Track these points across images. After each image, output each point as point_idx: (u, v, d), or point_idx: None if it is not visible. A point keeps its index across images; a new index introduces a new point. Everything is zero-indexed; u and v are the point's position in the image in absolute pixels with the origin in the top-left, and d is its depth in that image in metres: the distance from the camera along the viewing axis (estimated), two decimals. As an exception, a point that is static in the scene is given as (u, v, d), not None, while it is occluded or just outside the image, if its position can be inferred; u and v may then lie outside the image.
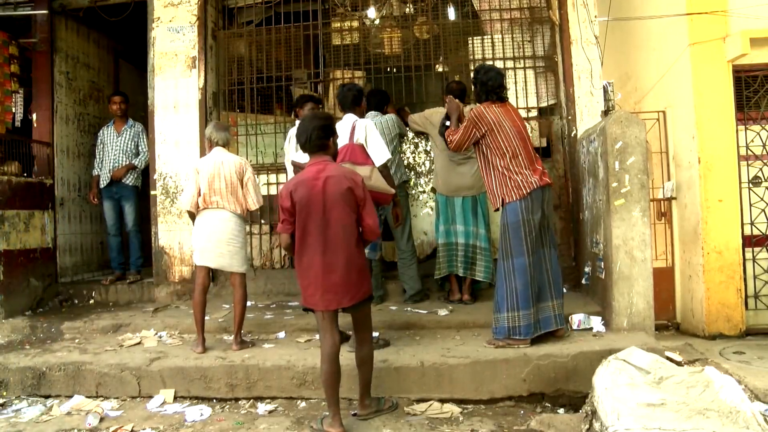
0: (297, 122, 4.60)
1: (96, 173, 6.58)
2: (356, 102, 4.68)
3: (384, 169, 4.39)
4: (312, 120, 3.61)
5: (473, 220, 5.38)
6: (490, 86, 4.42)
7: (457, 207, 5.40)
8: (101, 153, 6.52)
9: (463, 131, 4.41)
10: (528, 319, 4.21)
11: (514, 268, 4.25)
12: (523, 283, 4.22)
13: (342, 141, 4.19)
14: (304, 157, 3.88)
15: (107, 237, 6.73)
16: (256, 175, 4.81)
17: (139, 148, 6.51)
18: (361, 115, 4.67)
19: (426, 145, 6.28)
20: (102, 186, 6.49)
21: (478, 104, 4.52)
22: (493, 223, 5.48)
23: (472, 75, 4.70)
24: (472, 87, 4.61)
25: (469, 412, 3.91)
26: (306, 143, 3.58)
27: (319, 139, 3.56)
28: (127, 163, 6.43)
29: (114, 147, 6.46)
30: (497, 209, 4.41)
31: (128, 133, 6.48)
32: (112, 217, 6.55)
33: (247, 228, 4.96)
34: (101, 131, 6.59)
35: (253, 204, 4.71)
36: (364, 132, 4.43)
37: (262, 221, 6.24)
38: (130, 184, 6.48)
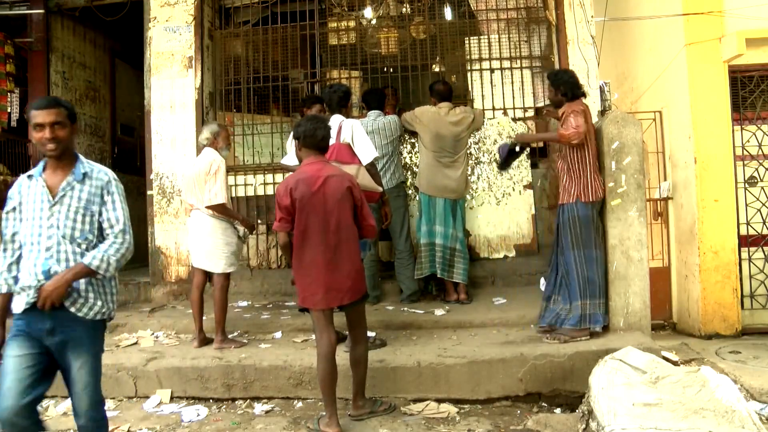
0: None
1: None
2: (342, 103, 4.70)
3: (371, 168, 4.43)
4: (324, 120, 3.75)
5: (453, 223, 5.39)
6: (573, 83, 4.47)
7: (439, 207, 5.40)
8: (11, 239, 2.80)
9: (584, 121, 4.31)
10: (603, 308, 4.36)
11: (587, 258, 4.37)
12: (596, 273, 4.36)
13: None
14: (293, 160, 3.98)
15: None
16: (222, 174, 4.61)
17: (107, 221, 2.81)
18: (347, 116, 4.69)
19: (423, 145, 6.29)
20: (16, 313, 2.75)
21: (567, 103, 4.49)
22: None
23: (550, 78, 4.65)
24: (558, 90, 4.49)
25: (466, 411, 3.92)
26: (323, 139, 3.62)
27: (326, 139, 3.65)
28: (74, 264, 2.71)
29: (42, 224, 2.73)
30: (563, 205, 4.44)
31: (76, 193, 2.76)
32: (16, 395, 2.62)
33: (241, 228, 4.87)
34: (14, 187, 2.85)
35: (208, 200, 4.55)
36: (351, 131, 4.48)
37: (259, 221, 6.23)
38: (87, 315, 2.76)
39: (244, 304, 5.84)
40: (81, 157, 2.86)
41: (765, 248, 5.48)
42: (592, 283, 4.35)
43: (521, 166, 6.08)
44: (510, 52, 6.39)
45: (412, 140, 6.27)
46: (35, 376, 2.68)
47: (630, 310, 4.48)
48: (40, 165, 2.84)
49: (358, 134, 4.49)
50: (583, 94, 4.56)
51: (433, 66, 7.08)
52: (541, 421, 3.66)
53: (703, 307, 5.31)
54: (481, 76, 6.36)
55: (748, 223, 5.47)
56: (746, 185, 5.51)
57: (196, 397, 4.27)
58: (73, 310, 2.73)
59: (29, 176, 2.83)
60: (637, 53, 6.64)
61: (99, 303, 2.81)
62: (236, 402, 4.21)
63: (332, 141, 4.32)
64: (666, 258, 5.87)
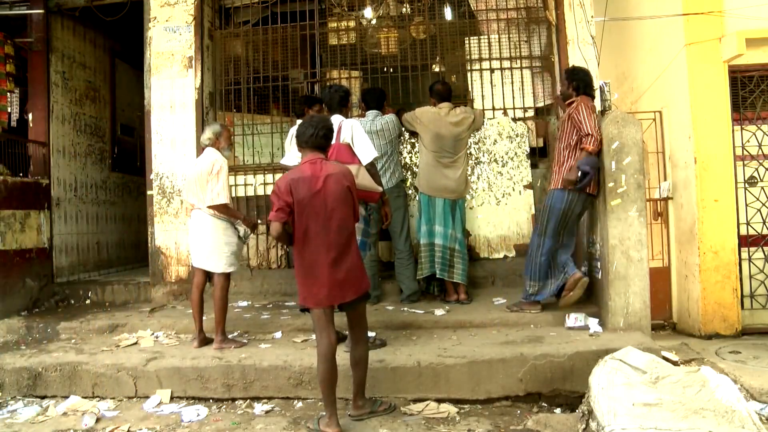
0: (299, 121, 4.59)
1: None
2: (343, 103, 4.71)
3: (371, 168, 4.43)
4: (322, 120, 3.78)
5: (452, 223, 5.40)
6: (587, 81, 4.79)
7: (438, 207, 5.40)
8: None
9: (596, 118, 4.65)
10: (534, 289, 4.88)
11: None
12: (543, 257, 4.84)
13: None
14: (292, 160, 4.01)
15: None
16: (225, 173, 4.62)
17: None
18: (347, 116, 4.69)
19: (423, 145, 6.29)
20: None
21: (577, 97, 4.75)
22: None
23: (567, 73, 4.96)
24: (571, 83, 4.80)
25: (466, 411, 3.92)
26: (313, 137, 3.63)
27: (325, 138, 3.68)
28: None
29: None
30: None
31: None
32: None
33: (241, 228, 4.85)
34: None
35: (210, 200, 4.57)
36: (351, 132, 4.49)
37: (259, 221, 6.22)
38: None
39: (244, 304, 5.84)
40: None
41: (765, 248, 5.48)
42: (538, 265, 4.79)
43: (521, 166, 6.09)
44: (510, 52, 6.39)
45: (412, 140, 6.27)
46: None
47: (630, 310, 4.49)
48: None
49: (357, 134, 4.50)
50: (593, 95, 4.82)
51: (433, 66, 7.07)
52: (541, 421, 3.65)
53: (703, 307, 5.31)
54: (481, 76, 6.37)
55: (748, 223, 5.47)
56: (746, 185, 5.51)
57: (196, 397, 4.27)
58: None
59: None
60: (637, 53, 6.64)
61: None
62: (236, 402, 4.21)
63: (332, 141, 4.34)
64: (666, 258, 5.87)
